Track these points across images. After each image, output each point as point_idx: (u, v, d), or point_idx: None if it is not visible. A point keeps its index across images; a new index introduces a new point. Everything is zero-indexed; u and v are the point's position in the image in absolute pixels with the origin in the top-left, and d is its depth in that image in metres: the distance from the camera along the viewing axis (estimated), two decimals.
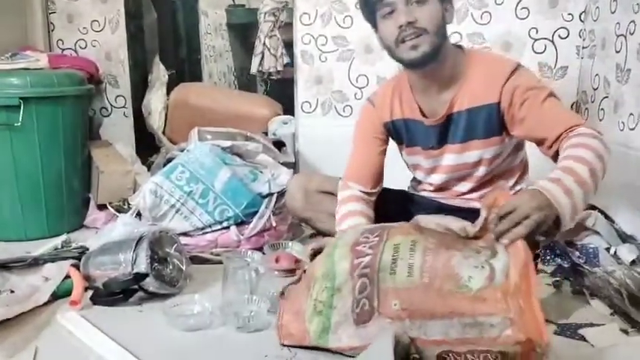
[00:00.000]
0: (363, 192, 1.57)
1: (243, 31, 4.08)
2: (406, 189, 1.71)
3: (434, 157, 1.52)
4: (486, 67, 1.41)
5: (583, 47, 2.24)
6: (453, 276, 1.06)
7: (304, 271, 1.30)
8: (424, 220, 1.22)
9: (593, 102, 2.11)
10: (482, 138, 1.43)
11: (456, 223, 1.18)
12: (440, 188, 1.59)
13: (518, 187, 1.53)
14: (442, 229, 1.18)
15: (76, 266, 1.57)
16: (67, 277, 1.53)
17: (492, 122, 1.40)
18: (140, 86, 2.89)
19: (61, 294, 1.49)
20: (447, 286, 1.05)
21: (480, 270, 1.06)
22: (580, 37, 2.24)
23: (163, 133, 2.79)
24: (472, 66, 1.41)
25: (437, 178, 1.56)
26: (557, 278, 1.60)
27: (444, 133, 1.47)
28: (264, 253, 1.69)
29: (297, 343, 1.20)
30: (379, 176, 1.59)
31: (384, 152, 1.59)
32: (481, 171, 1.50)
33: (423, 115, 1.48)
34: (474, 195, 1.53)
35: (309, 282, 1.22)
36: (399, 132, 1.56)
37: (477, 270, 1.06)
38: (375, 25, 1.42)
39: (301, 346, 1.21)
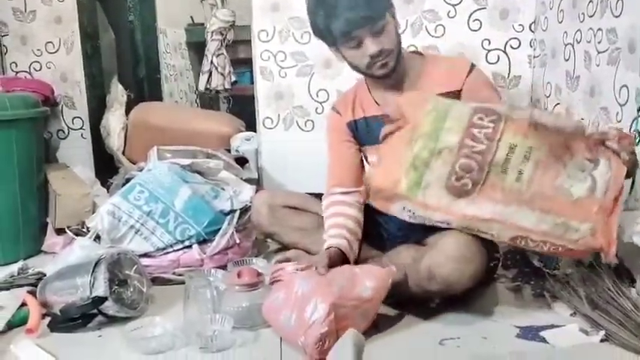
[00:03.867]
0: (347, 192, 1.61)
1: (203, 49, 4.07)
2: None
3: None
4: (447, 62, 1.62)
5: (534, 56, 2.30)
6: (556, 188, 1.26)
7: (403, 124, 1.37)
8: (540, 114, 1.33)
9: (546, 109, 2.17)
10: None
11: (570, 123, 1.33)
12: None
13: None
14: (555, 129, 1.28)
15: (33, 293, 1.52)
16: (24, 304, 1.49)
17: None
18: (98, 107, 2.84)
19: (16, 323, 1.44)
20: (548, 194, 1.25)
21: (583, 181, 1.25)
22: (531, 46, 2.31)
23: (123, 153, 2.74)
24: (432, 63, 1.58)
25: None
26: (518, 282, 1.62)
27: None
28: (228, 271, 1.67)
29: (389, 193, 1.32)
30: (360, 174, 1.65)
31: (359, 151, 1.66)
32: None
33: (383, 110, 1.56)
34: None
35: (412, 135, 1.33)
36: (361, 131, 1.63)
37: (580, 181, 1.25)
38: (334, 47, 1.53)
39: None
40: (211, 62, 3.14)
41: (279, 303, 1.31)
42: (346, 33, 1.44)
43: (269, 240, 1.99)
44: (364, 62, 1.48)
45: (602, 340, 1.25)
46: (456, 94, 1.50)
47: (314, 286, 1.28)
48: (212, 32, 3.09)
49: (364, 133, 1.63)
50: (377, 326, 1.35)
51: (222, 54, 3.15)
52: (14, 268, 1.83)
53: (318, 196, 1.75)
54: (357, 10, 1.41)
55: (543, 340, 1.29)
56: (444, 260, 1.32)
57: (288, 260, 1.61)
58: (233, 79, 3.38)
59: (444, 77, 1.52)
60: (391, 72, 1.51)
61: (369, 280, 1.31)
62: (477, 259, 1.37)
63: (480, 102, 1.41)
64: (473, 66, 1.55)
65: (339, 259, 1.48)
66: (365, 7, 1.41)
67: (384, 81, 1.56)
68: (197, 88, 4.20)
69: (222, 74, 3.15)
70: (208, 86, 3.23)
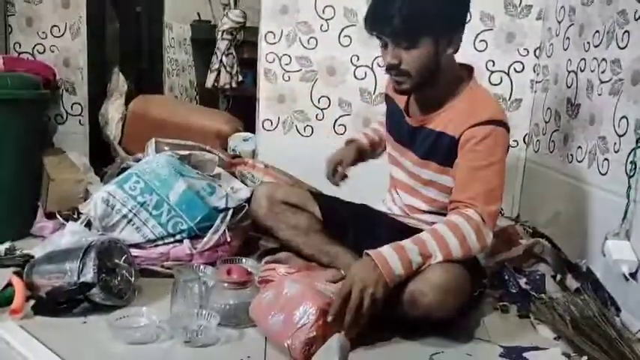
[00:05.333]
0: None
1: (207, 46, 4.06)
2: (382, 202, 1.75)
3: (398, 152, 1.59)
4: (471, 105, 1.42)
5: (537, 81, 2.33)
6: None
7: None
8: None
9: (544, 134, 2.20)
10: (439, 163, 1.47)
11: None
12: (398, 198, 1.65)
13: None
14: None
15: (19, 274, 1.51)
16: (9, 285, 1.47)
17: (450, 154, 1.43)
18: (98, 95, 2.84)
19: (0, 303, 1.42)
20: None
21: None
22: (534, 71, 2.34)
23: (119, 143, 2.73)
24: (463, 98, 1.45)
25: (397, 173, 1.63)
26: (505, 303, 1.63)
27: (413, 137, 1.52)
28: (217, 268, 1.66)
29: None
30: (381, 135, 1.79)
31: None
32: (432, 193, 1.53)
33: (407, 112, 1.56)
34: (426, 217, 1.56)
35: None
36: (388, 112, 1.67)
37: None
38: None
39: None
40: (220, 61, 3.17)
41: (268, 303, 1.31)
42: (369, 31, 1.40)
43: (262, 240, 1.99)
44: (385, 66, 1.42)
45: None
46: (454, 142, 1.41)
47: (304, 290, 1.28)
48: (223, 32, 3.11)
49: (389, 116, 1.66)
50: (362, 338, 1.33)
51: (232, 54, 3.18)
52: (1, 248, 1.81)
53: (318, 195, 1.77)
54: (383, 15, 1.33)
55: None
56: (428, 289, 1.27)
57: (278, 262, 1.61)
58: (240, 78, 3.42)
59: (456, 119, 1.42)
60: (403, 94, 1.48)
61: None
62: (462, 292, 1.32)
63: (471, 161, 1.37)
64: (487, 122, 1.37)
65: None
66: (395, 17, 1.31)
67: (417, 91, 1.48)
68: (197, 85, 4.21)
69: (229, 73, 3.18)
70: (216, 84, 3.25)
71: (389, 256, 1.28)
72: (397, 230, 1.55)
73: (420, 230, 1.40)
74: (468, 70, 1.51)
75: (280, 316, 1.26)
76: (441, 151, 1.45)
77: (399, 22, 1.31)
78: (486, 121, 1.37)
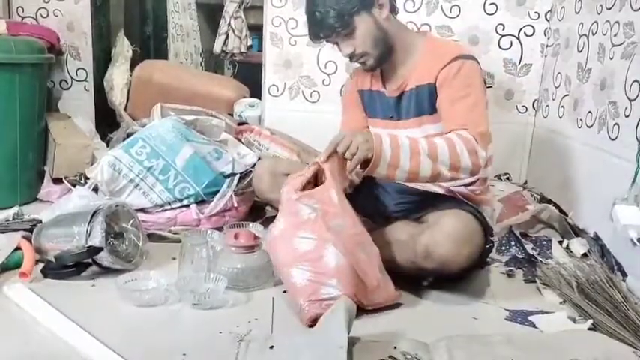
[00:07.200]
0: None
1: (212, 11, 4.01)
2: None
3: (391, 129, 1.59)
4: (435, 50, 1.52)
5: (547, 46, 2.29)
6: None
7: None
8: None
9: (554, 99, 2.16)
10: (430, 114, 1.51)
11: None
12: None
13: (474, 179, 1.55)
14: None
15: (28, 238, 1.52)
16: (18, 248, 1.48)
17: (434, 101, 1.49)
18: (103, 60, 2.81)
19: (10, 266, 1.44)
20: None
21: None
22: (545, 35, 2.29)
23: (125, 109, 2.72)
24: (425, 50, 1.53)
25: None
26: (511, 267, 1.64)
27: (399, 106, 1.57)
28: (224, 233, 1.67)
29: None
30: None
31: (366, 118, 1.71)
32: None
33: (385, 87, 1.60)
34: None
35: None
36: (365, 102, 1.68)
37: None
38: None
39: None
40: (229, 24, 3.07)
41: (305, 250, 1.26)
42: (315, 41, 1.55)
43: (268, 207, 1.99)
44: (346, 59, 1.54)
45: (589, 329, 1.26)
46: (433, 88, 1.48)
47: (343, 269, 1.24)
48: None
49: (367, 104, 1.67)
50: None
51: (240, 17, 3.08)
52: (9, 213, 1.82)
53: None
54: (316, 24, 1.48)
55: (532, 324, 1.30)
56: (442, 239, 1.32)
57: None
58: (249, 42, 3.32)
59: (426, 68, 1.49)
60: (373, 69, 1.56)
61: (380, 297, 1.32)
62: (475, 240, 1.38)
63: (450, 95, 1.43)
64: (455, 58, 1.46)
65: None
66: (325, 19, 1.44)
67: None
68: (202, 51, 4.16)
69: (238, 37, 3.09)
70: (224, 49, 3.17)
71: (385, 144, 1.32)
72: (405, 194, 1.57)
73: (430, 193, 1.47)
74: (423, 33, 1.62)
75: (308, 274, 1.24)
76: (427, 102, 1.51)
77: (333, 18, 1.44)
78: (453, 58, 1.46)
